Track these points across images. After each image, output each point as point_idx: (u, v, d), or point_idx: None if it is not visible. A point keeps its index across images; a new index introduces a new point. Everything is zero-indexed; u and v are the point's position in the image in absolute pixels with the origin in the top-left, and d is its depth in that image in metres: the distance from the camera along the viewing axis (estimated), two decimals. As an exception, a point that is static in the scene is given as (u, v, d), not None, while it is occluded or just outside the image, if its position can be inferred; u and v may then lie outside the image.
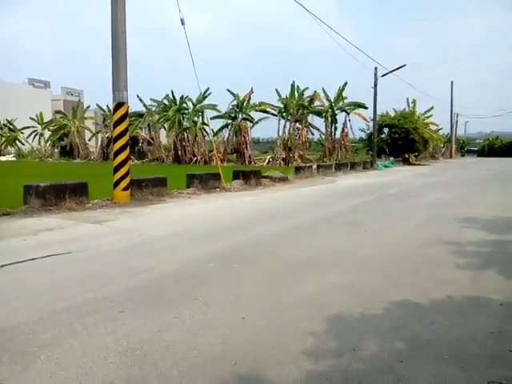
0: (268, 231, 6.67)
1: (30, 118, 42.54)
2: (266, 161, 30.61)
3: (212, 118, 31.46)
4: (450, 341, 2.88)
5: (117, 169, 9.70)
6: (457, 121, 57.66)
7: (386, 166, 28.63)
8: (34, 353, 2.66)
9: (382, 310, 3.41)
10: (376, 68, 27.97)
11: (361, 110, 32.76)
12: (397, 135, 32.99)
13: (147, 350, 2.72)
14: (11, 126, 43.57)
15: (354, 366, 2.53)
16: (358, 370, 2.49)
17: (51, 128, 41.80)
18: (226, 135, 32.49)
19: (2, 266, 4.53)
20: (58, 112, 44.74)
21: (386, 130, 34.66)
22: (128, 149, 9.98)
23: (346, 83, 32.01)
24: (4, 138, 43.93)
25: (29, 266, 4.59)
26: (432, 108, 39.52)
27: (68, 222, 7.21)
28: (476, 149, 67.62)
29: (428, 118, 39.25)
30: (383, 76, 28.07)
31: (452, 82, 50.87)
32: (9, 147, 44.86)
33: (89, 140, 42.29)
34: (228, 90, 31.50)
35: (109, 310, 3.35)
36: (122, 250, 5.38)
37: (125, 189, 9.72)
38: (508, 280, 4.25)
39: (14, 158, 41.52)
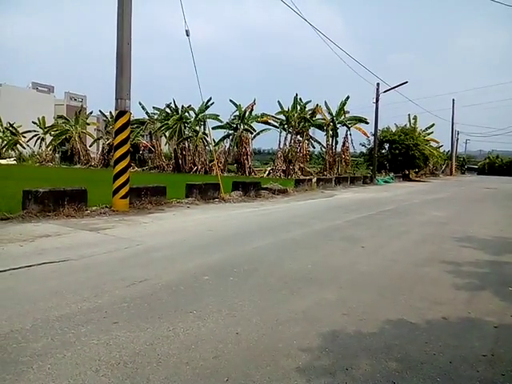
0: (265, 244, 6.67)
1: (33, 122, 42.71)
2: (267, 172, 30.69)
3: (213, 128, 31.63)
4: (442, 363, 2.88)
5: (116, 177, 9.73)
6: (457, 138, 57.96)
7: (385, 182, 28.72)
8: (27, 362, 2.65)
9: (375, 329, 3.40)
10: (378, 84, 28.27)
11: (362, 125, 32.99)
12: (397, 151, 33.15)
13: (139, 362, 2.71)
14: (13, 130, 43.72)
15: (345, 386, 2.53)
16: (350, 390, 2.49)
17: (53, 133, 41.99)
18: (227, 145, 32.64)
19: (-2, 271, 4.52)
20: (60, 117, 44.91)
21: (386, 146, 34.86)
22: (128, 157, 10.02)
23: (347, 97, 32.26)
24: (5, 142, 44.06)
25: (24, 273, 4.59)
26: (433, 125, 39.84)
27: (66, 228, 7.22)
28: (476, 167, 67.77)
29: (429, 134, 39.49)
30: (385, 92, 28.35)
31: (453, 100, 51.26)
32: (10, 151, 44.96)
33: (90, 146, 42.43)
34: (231, 101, 31.75)
35: (103, 321, 3.35)
36: (119, 259, 5.38)
37: (124, 197, 9.73)
38: (504, 302, 4.24)
39: (14, 162, 41.59)
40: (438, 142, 42.59)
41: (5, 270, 4.59)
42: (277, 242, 6.87)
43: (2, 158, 43.20)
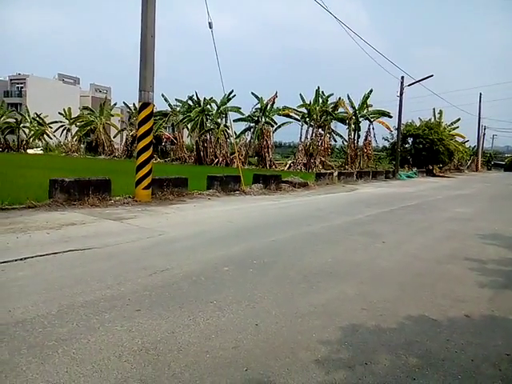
0: (285, 237, 6.67)
1: (59, 113, 43.64)
2: (287, 166, 30.62)
3: (235, 121, 31.71)
4: (464, 361, 2.84)
5: (139, 167, 9.88)
6: (484, 134, 56.49)
7: (408, 177, 28.25)
8: (52, 347, 2.74)
9: (396, 325, 3.38)
10: (402, 77, 27.70)
11: (385, 119, 32.48)
12: (421, 145, 32.53)
13: (161, 350, 2.77)
14: (40, 120, 44.78)
15: (365, 381, 2.52)
16: (369, 384, 2.48)
17: (78, 124, 42.86)
18: (249, 138, 32.70)
19: (25, 258, 4.67)
20: (86, 108, 45.80)
21: (410, 140, 34.24)
22: (151, 148, 10.15)
23: (371, 90, 31.81)
24: (32, 132, 45.18)
25: (50, 260, 4.72)
26: (459, 119, 38.85)
27: (90, 217, 7.38)
28: (503, 163, 65.85)
29: (454, 129, 38.54)
30: (409, 85, 27.76)
31: (480, 94, 49.93)
32: (36, 140, 46.14)
33: (114, 137, 43.16)
34: (252, 93, 31.73)
35: (125, 308, 3.42)
36: (141, 248, 5.48)
37: (146, 187, 9.88)
38: (529, 301, 4.14)
39: (41, 152, 42.69)
40: (463, 137, 41.54)
41: (32, 257, 4.74)
42: (297, 236, 6.87)
43: (30, 148, 44.41)
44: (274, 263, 5.03)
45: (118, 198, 9.52)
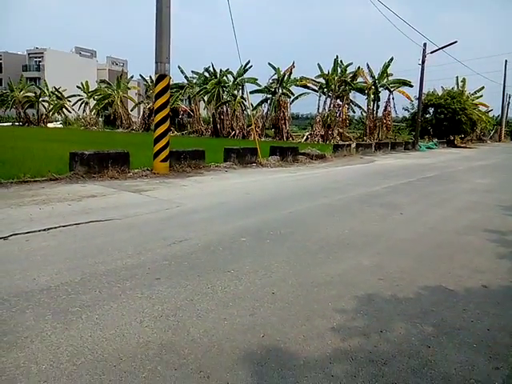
0: (302, 209, 6.68)
1: (77, 87, 43.80)
2: (304, 137, 30.31)
3: (251, 92, 31.30)
4: (480, 330, 2.85)
5: (157, 140, 9.92)
6: (509, 102, 54.28)
7: (428, 148, 27.69)
8: (76, 312, 2.85)
9: (412, 294, 3.39)
10: (425, 44, 26.73)
11: (405, 89, 31.59)
12: (442, 115, 31.66)
13: (180, 316, 2.85)
14: (58, 94, 45.07)
15: (380, 348, 2.56)
16: (384, 351, 2.52)
17: (96, 97, 42.98)
18: (265, 110, 32.33)
19: (48, 229, 4.81)
20: (103, 81, 45.82)
21: (431, 110, 33.34)
22: (168, 121, 10.15)
23: (391, 59, 30.84)
24: (52, 106, 45.58)
25: (73, 231, 4.85)
26: (483, 88, 37.45)
27: (110, 189, 7.51)
28: (528, 133, 63.66)
29: (478, 98, 37.25)
30: (432, 53, 26.79)
31: (506, 61, 47.82)
32: (56, 114, 46.61)
33: (131, 110, 43.23)
34: (269, 64, 31.14)
35: (146, 277, 3.52)
36: (160, 219, 5.57)
37: (164, 160, 9.95)
38: (549, 273, 4.09)
39: (60, 125, 43.22)
40: (487, 107, 40.16)
41: (55, 227, 4.88)
42: (314, 207, 6.87)
43: (50, 122, 44.96)
44: (290, 234, 5.07)
45: (136, 170, 9.63)
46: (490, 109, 42.36)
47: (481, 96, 37.41)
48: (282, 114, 30.80)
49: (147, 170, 9.80)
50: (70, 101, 45.06)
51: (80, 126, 41.87)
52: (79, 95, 44.24)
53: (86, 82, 44.26)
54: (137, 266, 3.75)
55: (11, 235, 4.51)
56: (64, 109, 45.54)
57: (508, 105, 53.97)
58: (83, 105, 44.42)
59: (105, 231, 4.89)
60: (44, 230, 4.78)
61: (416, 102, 30.15)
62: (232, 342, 2.56)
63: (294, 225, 5.57)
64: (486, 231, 5.61)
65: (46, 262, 3.79)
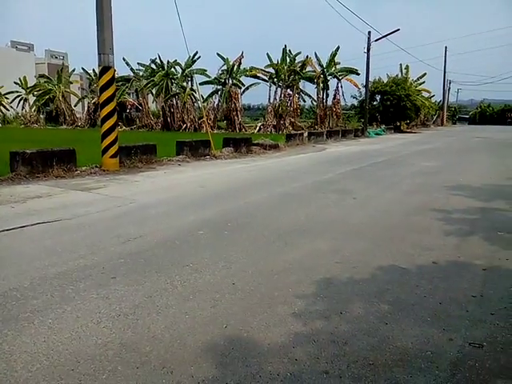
0: (258, 199, 6.70)
1: (14, 83, 41.28)
2: (257, 128, 30.33)
3: (201, 84, 30.78)
4: (432, 304, 2.98)
5: (105, 135, 9.56)
6: (449, 88, 57.18)
7: (377, 134, 28.61)
8: (28, 318, 2.70)
9: (368, 275, 3.50)
10: (369, 32, 27.48)
11: (353, 77, 32.33)
12: (389, 102, 32.79)
13: (140, 314, 2.77)
14: (-6, 91, 42.27)
15: (340, 329, 2.62)
16: (345, 332, 2.58)
17: (36, 93, 40.73)
18: (216, 101, 31.95)
19: (-8, 233, 4.51)
20: (42, 76, 43.41)
21: (378, 97, 34.41)
22: (116, 115, 9.80)
23: (338, 48, 31.36)
24: (-13, 104, 42.71)
25: (18, 234, 4.59)
26: (425, 74, 39.13)
27: (56, 189, 7.16)
28: (467, 116, 67.39)
29: (420, 84, 38.88)
30: (376, 41, 27.59)
31: (446, 48, 50.21)
32: (-8, 113, 43.73)
33: (75, 106, 41.33)
34: (218, 54, 30.78)
35: (101, 276, 3.39)
36: (112, 217, 5.39)
37: (113, 156, 9.61)
38: (492, 246, 4.35)
39: (-2, 124, 40.58)
40: (429, 92, 42.01)
41: (-2, 231, 4.59)
42: (270, 196, 6.90)
43: (-14, 121, 42.13)
44: (248, 224, 5.07)
45: (84, 168, 9.24)
46: (432, 94, 44.37)
47: (423, 82, 39.10)
48: (233, 105, 30.62)
49: (96, 167, 9.43)
50: (7, 98, 42.40)
51: (20, 124, 39.52)
52: (17, 92, 41.74)
53: (24, 77, 41.75)
54: (90, 267, 3.60)
55: (-51, 242, 4.19)
56: (1, 106, 42.84)
57: (449, 90, 56.89)
58: (22, 102, 41.96)
59: (53, 232, 4.66)
60: (-14, 234, 4.48)
61: (363, 90, 31.02)
62: (194, 336, 2.52)
63: (252, 215, 5.57)
64: (433, 211, 5.88)
65: (-10, 268, 3.56)
